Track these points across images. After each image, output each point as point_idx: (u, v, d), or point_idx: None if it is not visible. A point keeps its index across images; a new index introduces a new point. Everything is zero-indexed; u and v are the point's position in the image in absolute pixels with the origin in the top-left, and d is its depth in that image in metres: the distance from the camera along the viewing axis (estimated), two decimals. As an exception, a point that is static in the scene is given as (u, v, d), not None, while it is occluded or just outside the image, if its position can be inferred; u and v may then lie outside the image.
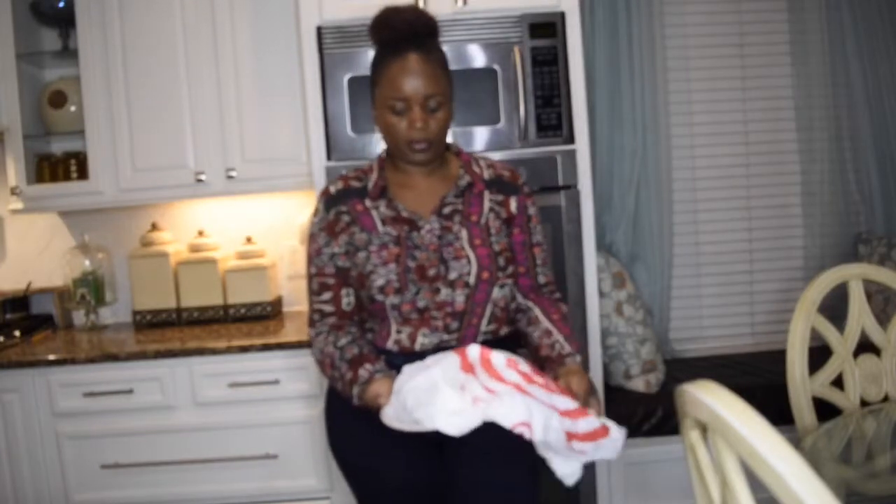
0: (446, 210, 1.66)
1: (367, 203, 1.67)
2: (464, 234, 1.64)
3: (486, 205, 1.68)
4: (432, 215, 1.65)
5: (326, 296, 1.67)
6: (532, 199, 1.75)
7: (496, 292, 1.64)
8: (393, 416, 1.43)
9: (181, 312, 2.97)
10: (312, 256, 1.69)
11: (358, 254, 1.63)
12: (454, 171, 1.72)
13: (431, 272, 1.60)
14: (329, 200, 1.68)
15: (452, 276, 1.61)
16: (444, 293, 1.60)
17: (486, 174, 1.72)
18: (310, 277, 1.69)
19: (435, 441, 1.51)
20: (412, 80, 1.58)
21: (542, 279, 1.75)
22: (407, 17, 1.61)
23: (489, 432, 1.37)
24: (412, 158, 1.64)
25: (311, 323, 1.70)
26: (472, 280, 1.61)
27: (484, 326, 1.64)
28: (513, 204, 1.71)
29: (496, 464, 1.52)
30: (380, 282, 1.59)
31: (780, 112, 3.26)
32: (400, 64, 1.59)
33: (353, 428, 1.66)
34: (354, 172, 1.72)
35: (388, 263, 1.60)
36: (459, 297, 1.60)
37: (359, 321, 1.69)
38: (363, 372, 1.55)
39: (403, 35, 1.60)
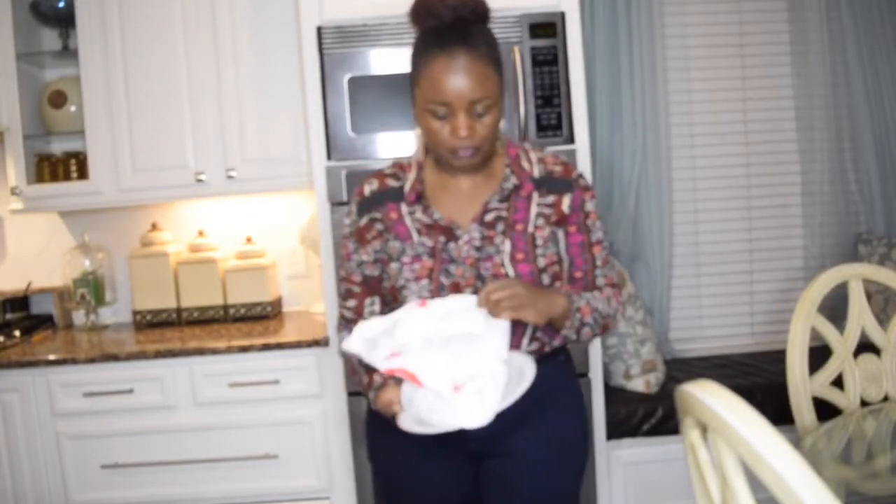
0: (489, 217, 1.50)
1: (403, 209, 1.53)
2: (506, 246, 1.48)
3: (534, 210, 1.51)
4: (473, 223, 1.50)
5: (351, 302, 1.60)
6: (590, 192, 1.56)
7: (540, 333, 1.51)
8: (412, 422, 1.37)
9: (181, 312, 2.97)
10: (343, 259, 1.61)
11: (391, 264, 1.52)
12: (499, 170, 1.54)
13: (468, 291, 1.47)
14: (363, 204, 1.57)
15: None
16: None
17: (537, 171, 1.54)
18: (340, 280, 1.63)
19: (472, 452, 1.52)
20: (456, 83, 1.39)
21: (600, 282, 1.56)
22: (451, 2, 1.41)
23: (530, 441, 1.37)
24: (455, 163, 1.48)
25: (338, 326, 1.64)
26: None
27: (525, 347, 1.51)
28: (565, 202, 1.52)
29: (542, 475, 1.50)
30: (412, 299, 1.48)
31: (780, 112, 3.25)
32: (443, 62, 1.39)
33: (388, 438, 1.56)
34: (392, 168, 1.59)
35: (420, 279, 1.48)
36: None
37: None
38: (377, 377, 1.49)
39: (447, 24, 1.42)
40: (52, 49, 2.99)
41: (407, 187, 1.54)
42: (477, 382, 1.33)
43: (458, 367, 1.33)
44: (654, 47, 3.08)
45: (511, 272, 1.46)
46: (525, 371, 1.36)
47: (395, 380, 1.45)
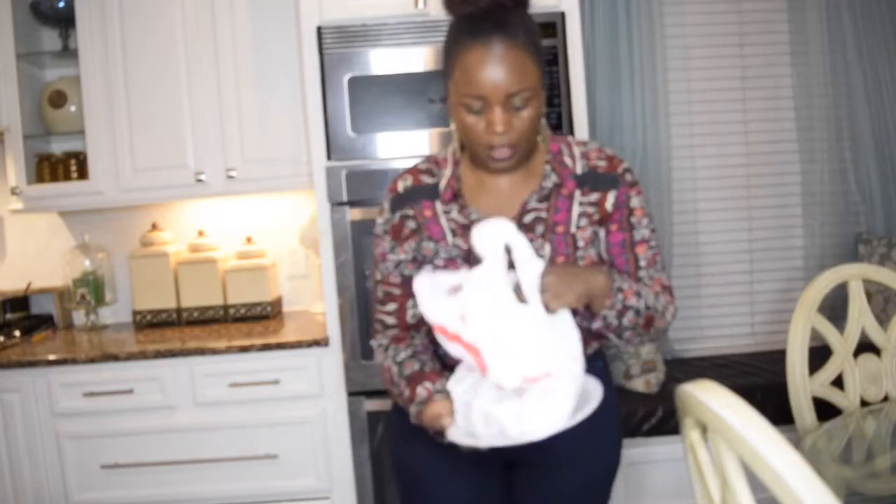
0: (528, 218, 1.40)
1: (438, 207, 1.44)
2: (546, 249, 1.38)
3: (576, 210, 1.41)
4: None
5: (391, 306, 1.48)
6: (637, 188, 1.44)
7: (578, 318, 1.38)
8: (465, 433, 1.25)
9: (181, 312, 2.97)
10: (378, 261, 1.49)
11: (424, 266, 1.44)
12: (540, 168, 1.44)
13: None
14: (396, 200, 1.47)
15: None
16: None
17: (579, 167, 1.43)
18: (375, 284, 1.51)
19: (504, 460, 1.46)
20: (492, 74, 1.28)
21: (646, 284, 1.43)
22: None
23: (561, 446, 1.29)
24: (492, 166, 1.38)
25: (374, 333, 1.53)
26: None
27: None
28: (609, 200, 1.41)
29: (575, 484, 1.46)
30: None
31: (780, 112, 3.26)
32: (478, 52, 1.29)
33: (415, 448, 1.49)
34: (426, 164, 1.49)
35: None
36: None
37: (426, 332, 1.48)
38: (421, 391, 1.37)
39: (482, 10, 1.30)
40: (52, 49, 2.99)
41: (442, 184, 1.44)
42: (552, 381, 1.19)
43: (531, 358, 1.19)
44: (654, 47, 3.08)
45: None
46: (591, 390, 1.26)
47: (442, 392, 1.34)
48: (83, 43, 2.79)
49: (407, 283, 1.45)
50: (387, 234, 1.48)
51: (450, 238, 1.41)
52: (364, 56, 2.44)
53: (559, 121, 2.47)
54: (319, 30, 2.44)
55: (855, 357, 1.98)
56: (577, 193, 1.41)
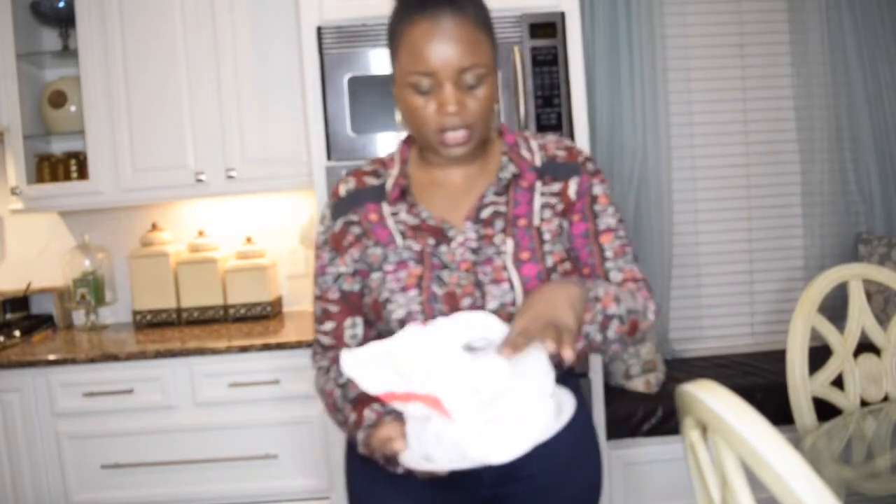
0: (485, 213, 1.28)
1: (385, 209, 1.32)
2: (508, 245, 1.26)
3: (538, 201, 1.30)
4: (467, 222, 1.28)
5: (328, 325, 1.34)
6: (600, 176, 1.33)
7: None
8: (420, 457, 1.09)
9: (181, 312, 2.97)
10: (317, 275, 1.36)
11: (371, 275, 1.29)
12: (496, 159, 1.34)
13: (465, 301, 1.23)
14: (337, 206, 1.35)
15: (492, 305, 1.23)
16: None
17: (539, 158, 1.33)
18: (314, 300, 1.38)
19: (484, 498, 1.31)
20: (441, 47, 1.19)
21: (615, 276, 1.30)
22: None
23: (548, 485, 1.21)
24: (445, 153, 1.26)
25: (313, 355, 1.38)
26: (516, 309, 1.21)
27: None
28: (572, 188, 1.31)
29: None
30: (399, 313, 1.24)
31: (780, 112, 3.26)
32: (425, 25, 1.20)
33: (379, 486, 1.32)
34: (372, 165, 1.37)
35: (408, 289, 1.25)
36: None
37: None
38: (369, 413, 1.21)
39: None
40: (52, 49, 2.99)
41: (389, 184, 1.32)
42: (516, 411, 1.07)
43: (492, 395, 1.06)
44: (654, 47, 3.08)
45: (515, 276, 1.24)
46: (563, 403, 1.13)
47: (393, 414, 1.18)
48: (83, 43, 2.80)
49: (346, 298, 1.33)
50: (326, 245, 1.35)
51: (399, 241, 1.29)
52: (364, 56, 2.44)
53: (559, 121, 2.47)
54: (319, 30, 2.45)
55: (855, 357, 1.98)
56: (538, 184, 1.31)
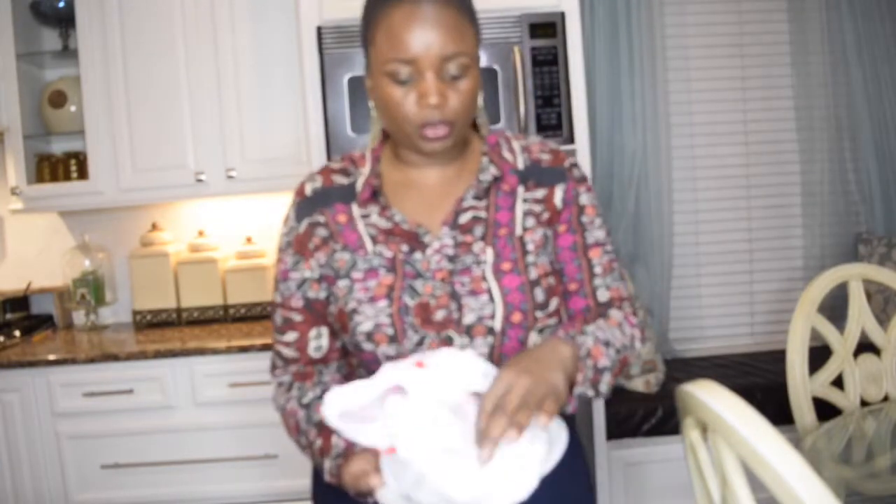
0: (464, 218, 1.19)
1: (354, 210, 1.22)
2: (488, 254, 1.16)
3: (520, 208, 1.20)
4: (444, 227, 1.18)
5: (290, 336, 1.23)
6: (586, 184, 1.24)
7: (534, 339, 1.16)
8: (398, 496, 1.00)
9: (181, 312, 2.97)
10: (278, 281, 1.24)
11: (338, 282, 1.18)
12: (475, 160, 1.24)
13: (439, 314, 1.14)
14: (302, 206, 1.26)
15: (469, 319, 1.13)
16: (459, 344, 1.13)
17: (521, 161, 1.23)
18: (273, 308, 1.25)
19: None
20: (422, 33, 1.09)
21: (603, 294, 1.21)
22: None
23: None
24: (423, 148, 1.16)
25: (272, 369, 1.27)
26: (497, 325, 1.13)
27: None
28: (557, 195, 1.21)
29: None
30: (366, 325, 1.14)
31: (780, 112, 3.26)
32: (405, 9, 1.10)
33: None
34: (341, 163, 1.27)
35: (377, 300, 1.15)
36: (481, 349, 1.13)
37: (338, 365, 1.25)
38: (337, 441, 1.11)
39: None
40: (52, 49, 2.99)
41: (359, 184, 1.22)
42: (509, 460, 0.98)
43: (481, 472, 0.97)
44: (654, 47, 3.08)
45: (495, 287, 1.14)
46: (555, 437, 1.05)
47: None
48: (83, 43, 2.80)
49: (310, 306, 1.21)
50: (289, 248, 1.24)
51: (369, 246, 1.18)
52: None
53: (559, 121, 2.47)
54: (319, 30, 2.45)
55: (855, 357, 1.98)
56: (521, 190, 1.21)
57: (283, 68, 2.80)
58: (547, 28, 2.46)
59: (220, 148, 2.81)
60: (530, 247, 1.18)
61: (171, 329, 2.92)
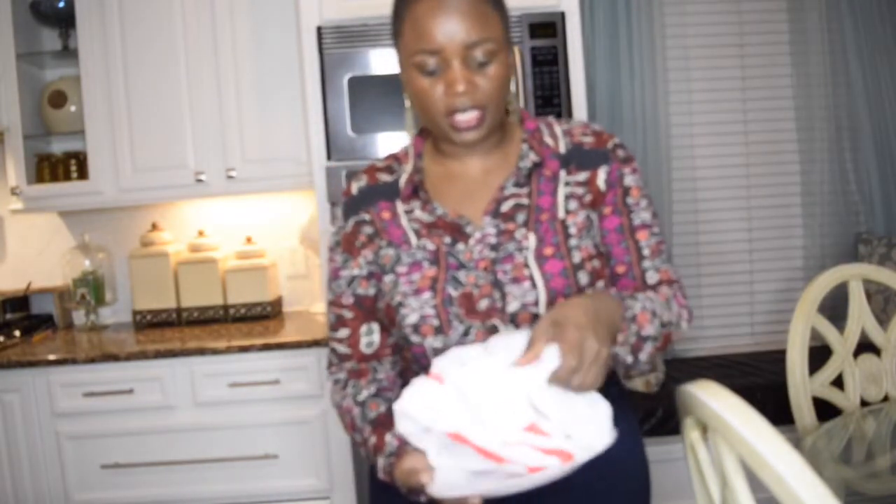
0: (506, 206, 1.19)
1: (398, 207, 1.23)
2: (530, 240, 1.16)
3: (562, 192, 1.19)
4: (486, 216, 1.19)
5: (343, 332, 1.26)
6: (632, 164, 1.22)
7: None
8: (453, 484, 1.00)
9: (181, 312, 2.97)
10: (330, 279, 1.28)
11: (384, 277, 1.21)
12: (515, 147, 1.24)
13: (483, 303, 1.15)
14: (349, 205, 1.27)
15: (513, 307, 1.14)
16: (505, 333, 1.11)
17: (563, 145, 1.23)
18: (328, 305, 1.30)
19: None
20: (446, 22, 1.11)
21: (652, 277, 1.21)
22: None
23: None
24: (456, 139, 1.17)
25: (328, 366, 1.30)
26: (541, 311, 1.13)
27: None
28: (601, 177, 1.20)
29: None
30: (412, 318, 1.16)
31: (780, 112, 3.26)
32: (428, 2, 1.12)
33: None
34: (386, 161, 1.29)
35: (421, 292, 1.16)
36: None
37: (392, 361, 1.27)
38: (391, 439, 1.12)
39: None
40: (52, 49, 2.99)
41: (402, 181, 1.24)
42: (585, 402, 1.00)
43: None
44: (654, 47, 3.09)
45: (537, 273, 1.14)
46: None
47: None
48: (83, 43, 2.79)
49: (360, 303, 1.24)
50: (339, 247, 1.27)
51: (413, 240, 1.20)
52: (364, 56, 2.44)
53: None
54: (319, 30, 2.44)
55: (855, 357, 1.98)
56: (563, 173, 1.20)
57: (283, 68, 2.80)
58: (547, 28, 2.46)
59: (220, 148, 2.81)
60: (573, 230, 1.18)
61: (171, 329, 2.92)
